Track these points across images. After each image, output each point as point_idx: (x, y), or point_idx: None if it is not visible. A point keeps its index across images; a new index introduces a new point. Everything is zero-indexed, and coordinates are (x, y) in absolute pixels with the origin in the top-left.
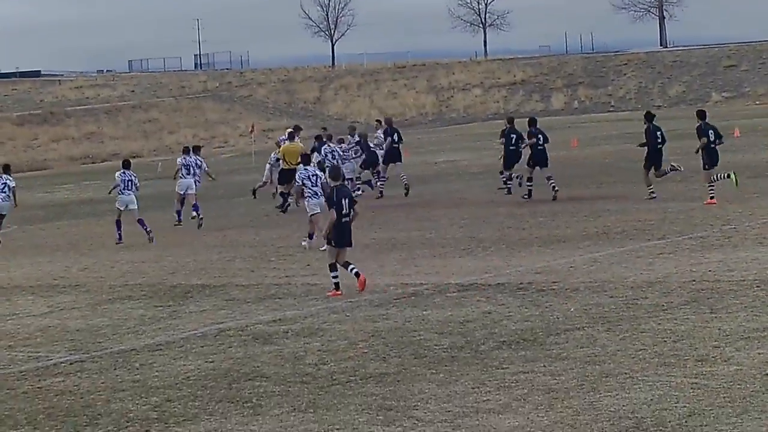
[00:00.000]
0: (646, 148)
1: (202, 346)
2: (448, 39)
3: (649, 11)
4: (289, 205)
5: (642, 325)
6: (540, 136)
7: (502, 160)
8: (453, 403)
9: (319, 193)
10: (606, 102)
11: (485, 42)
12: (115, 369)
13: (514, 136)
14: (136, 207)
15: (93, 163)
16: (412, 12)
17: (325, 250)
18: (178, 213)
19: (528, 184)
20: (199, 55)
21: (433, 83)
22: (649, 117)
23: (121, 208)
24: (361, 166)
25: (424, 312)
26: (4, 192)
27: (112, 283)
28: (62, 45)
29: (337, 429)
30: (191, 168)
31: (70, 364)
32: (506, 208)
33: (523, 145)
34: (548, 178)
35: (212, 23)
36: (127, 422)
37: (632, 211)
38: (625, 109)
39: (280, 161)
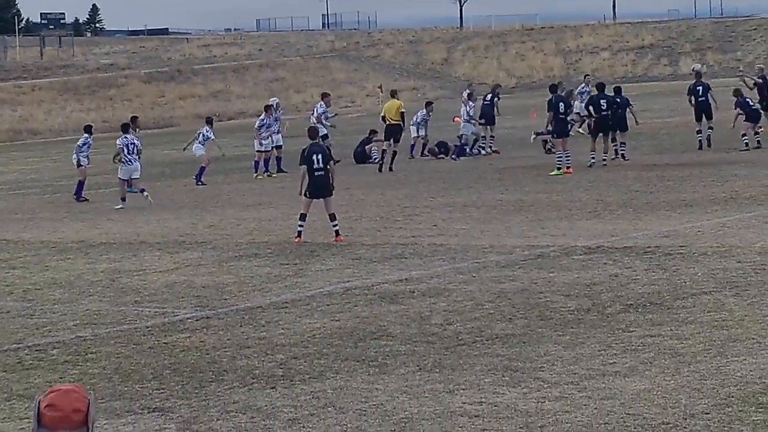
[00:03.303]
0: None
1: (328, 305)
2: (576, 2)
3: None
4: (382, 162)
5: None
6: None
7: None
8: (579, 366)
9: (133, 161)
10: (734, 67)
11: (614, 5)
12: (240, 326)
13: (701, 88)
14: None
15: (220, 121)
16: None
17: (120, 207)
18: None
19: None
20: (327, 14)
21: (561, 46)
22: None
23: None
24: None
25: (551, 274)
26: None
27: (239, 240)
28: (190, 4)
29: (463, 389)
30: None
31: (197, 320)
32: (634, 171)
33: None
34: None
35: None
36: (253, 379)
37: (760, 176)
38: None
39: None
